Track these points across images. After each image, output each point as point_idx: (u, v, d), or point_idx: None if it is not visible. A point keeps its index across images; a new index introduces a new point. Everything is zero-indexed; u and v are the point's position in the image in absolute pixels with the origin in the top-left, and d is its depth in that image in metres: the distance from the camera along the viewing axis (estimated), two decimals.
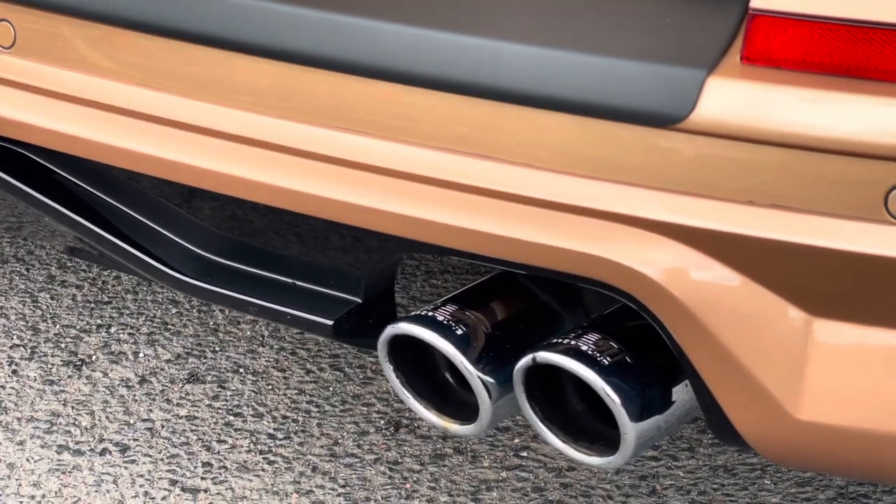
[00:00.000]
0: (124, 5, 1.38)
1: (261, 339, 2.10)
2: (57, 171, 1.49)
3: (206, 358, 2.05)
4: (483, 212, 1.23)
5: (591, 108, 1.18)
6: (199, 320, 2.14)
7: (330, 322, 1.33)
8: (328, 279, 1.34)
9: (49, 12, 1.42)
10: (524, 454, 1.85)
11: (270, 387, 1.98)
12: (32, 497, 1.75)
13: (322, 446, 1.86)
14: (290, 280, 1.36)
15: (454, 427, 1.31)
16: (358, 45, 1.26)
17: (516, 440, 1.87)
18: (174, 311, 2.16)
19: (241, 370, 2.02)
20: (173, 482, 1.78)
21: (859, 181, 1.13)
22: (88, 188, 1.48)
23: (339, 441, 1.87)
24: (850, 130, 1.12)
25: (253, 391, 1.97)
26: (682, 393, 1.27)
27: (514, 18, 1.24)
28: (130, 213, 1.46)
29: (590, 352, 1.23)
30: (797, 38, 1.14)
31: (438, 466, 1.82)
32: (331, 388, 1.98)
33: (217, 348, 2.07)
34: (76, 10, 1.40)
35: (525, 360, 1.24)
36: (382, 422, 1.91)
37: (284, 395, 1.97)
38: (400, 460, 1.83)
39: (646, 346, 1.26)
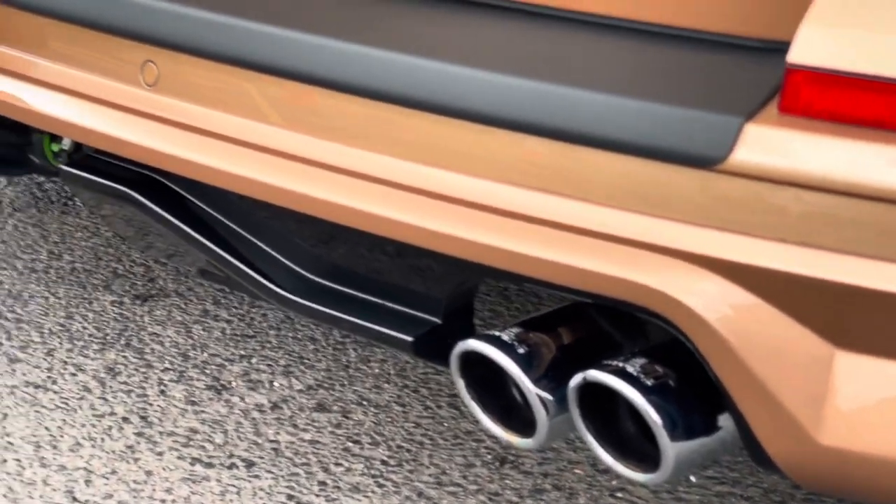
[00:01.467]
0: (255, 52, 1.55)
1: (387, 376, 2.25)
2: (188, 197, 1.67)
3: (334, 390, 2.20)
4: (549, 242, 1.35)
5: (642, 149, 1.30)
6: (332, 357, 2.30)
7: (410, 339, 1.47)
8: (412, 300, 1.48)
9: (188, 55, 1.60)
10: (619, 495, 1.95)
11: (390, 419, 2.12)
12: (163, 501, 1.93)
13: (430, 475, 1.99)
14: (378, 300, 1.51)
15: (515, 440, 1.43)
16: (458, 91, 1.40)
17: (614, 482, 1.97)
18: (311, 347, 2.33)
19: (365, 403, 2.17)
20: (290, 496, 1.93)
21: (884, 224, 1.22)
22: (213, 213, 1.65)
23: (447, 471, 2.00)
24: (876, 178, 1.22)
25: (373, 422, 2.12)
26: (726, 420, 1.37)
27: (578, 66, 1.37)
28: (246, 235, 1.63)
29: (635, 373, 1.34)
30: (831, 91, 1.24)
31: (536, 500, 1.93)
32: (445, 424, 2.12)
33: (346, 382, 2.23)
34: (212, 54, 1.58)
35: (577, 379, 1.36)
36: (489, 456, 2.03)
37: (402, 427, 2.10)
38: (501, 492, 1.95)
39: (692, 373, 1.36)
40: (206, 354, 2.31)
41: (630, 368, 1.34)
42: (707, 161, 1.27)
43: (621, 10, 1.43)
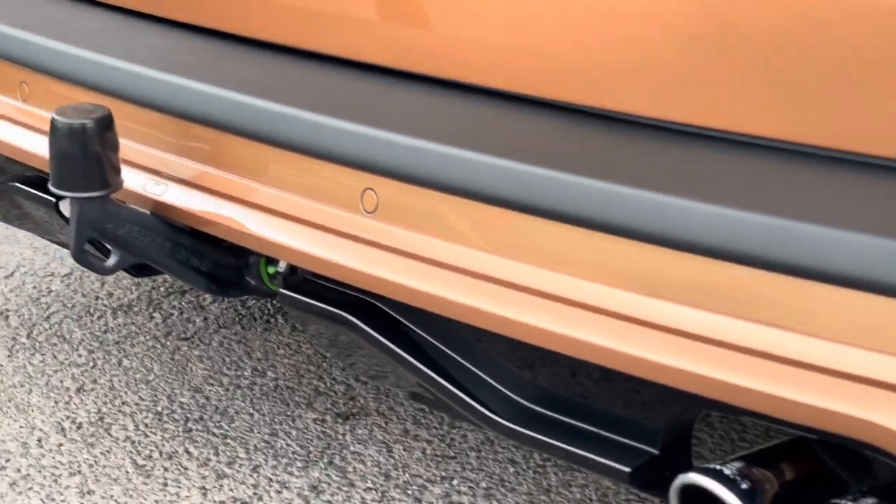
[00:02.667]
0: (476, 183, 1.57)
1: (589, 501, 2.23)
2: (403, 321, 1.69)
3: None
4: (774, 376, 1.34)
5: (881, 286, 1.28)
6: (533, 480, 2.29)
7: (628, 470, 1.46)
8: (627, 429, 1.47)
9: (409, 184, 1.63)
10: None
11: None
12: None
13: None
14: (592, 427, 1.50)
15: None
16: (684, 223, 1.40)
17: None
18: (511, 469, 2.33)
19: None
20: None
21: None
22: (427, 337, 1.67)
23: None
24: None
25: None
26: None
27: (806, 199, 1.36)
28: (459, 359, 1.64)
29: None
30: None
31: None
32: None
33: None
34: (434, 184, 1.61)
35: None
36: None
37: None
38: None
39: None
40: (407, 475, 2.32)
41: None
42: None
43: (847, 144, 1.42)
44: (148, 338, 2.87)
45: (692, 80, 1.49)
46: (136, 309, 3.01)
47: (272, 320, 2.95)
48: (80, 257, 1.89)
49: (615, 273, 1.43)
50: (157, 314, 2.98)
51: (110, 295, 3.09)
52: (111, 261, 1.93)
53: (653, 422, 1.47)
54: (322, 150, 1.71)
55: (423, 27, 1.75)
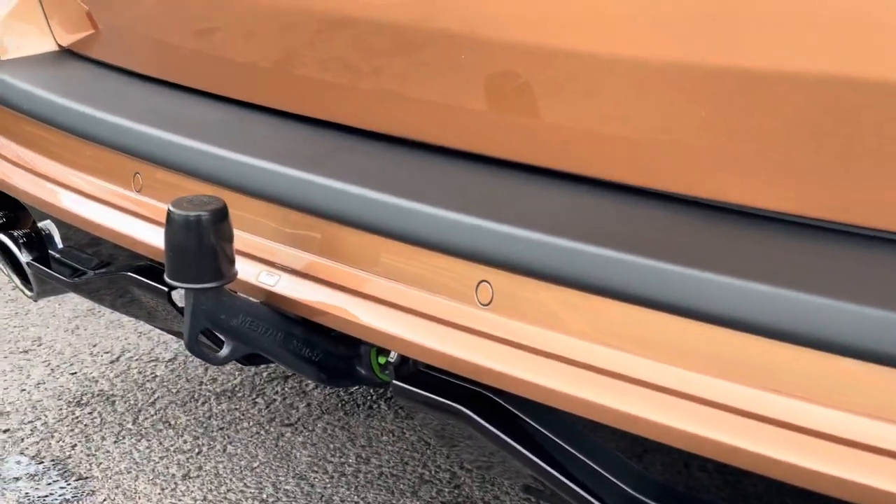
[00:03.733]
0: (590, 274, 1.56)
1: None
2: (518, 414, 1.68)
3: None
4: None
5: None
6: None
7: None
8: None
9: (525, 276, 1.62)
10: None
11: None
12: None
13: None
14: None
15: None
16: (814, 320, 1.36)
17: None
18: None
19: None
20: None
21: None
22: (543, 430, 1.65)
23: None
24: None
25: None
26: None
27: None
28: (575, 453, 1.62)
29: None
30: None
31: None
32: None
33: None
34: (550, 276, 1.60)
35: None
36: None
37: None
38: None
39: None
40: None
41: None
42: None
43: None
44: (252, 424, 2.88)
45: (826, 177, 1.47)
46: (239, 394, 3.03)
47: (375, 406, 2.95)
48: (193, 348, 1.90)
49: (738, 368, 1.41)
50: (260, 400, 2.99)
51: (214, 380, 3.11)
52: (224, 351, 1.94)
53: None
54: (437, 242, 1.71)
55: (539, 119, 1.75)
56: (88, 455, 2.75)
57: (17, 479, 2.67)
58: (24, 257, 2.49)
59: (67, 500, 2.60)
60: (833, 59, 1.43)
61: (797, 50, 1.46)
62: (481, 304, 1.67)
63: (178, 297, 2.05)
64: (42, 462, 2.73)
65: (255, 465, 2.69)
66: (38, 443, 2.82)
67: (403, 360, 1.94)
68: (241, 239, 1.93)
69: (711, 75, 1.53)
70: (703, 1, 1.54)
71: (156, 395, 3.04)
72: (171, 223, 1.83)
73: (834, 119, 1.44)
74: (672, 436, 1.46)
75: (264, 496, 2.57)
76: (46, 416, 2.95)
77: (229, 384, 3.07)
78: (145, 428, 2.88)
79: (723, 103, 1.53)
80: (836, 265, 1.42)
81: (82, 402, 3.01)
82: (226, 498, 2.57)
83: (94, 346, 3.33)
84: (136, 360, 3.24)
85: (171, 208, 1.83)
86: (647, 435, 1.47)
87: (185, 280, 1.85)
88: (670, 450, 1.49)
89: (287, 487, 2.59)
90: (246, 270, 1.92)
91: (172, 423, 2.90)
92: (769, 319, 1.36)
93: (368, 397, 2.97)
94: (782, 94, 1.48)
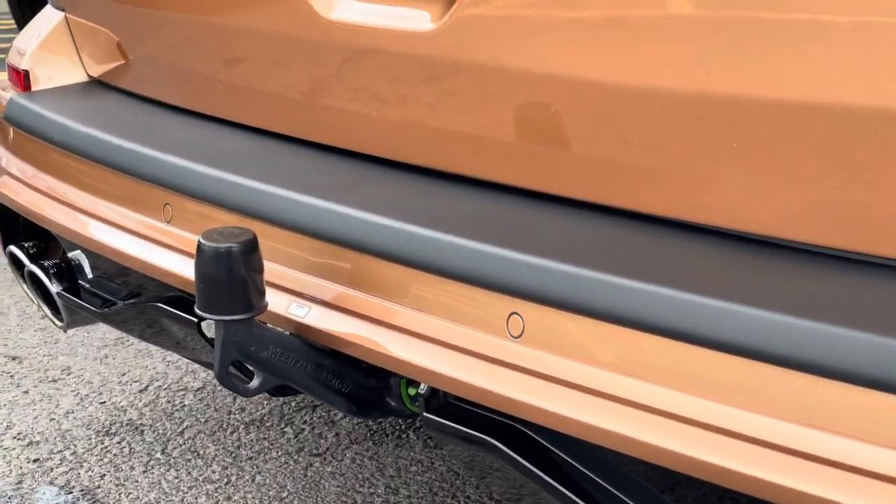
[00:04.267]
0: (623, 306, 1.55)
1: None
2: (550, 447, 1.67)
3: None
4: None
5: None
6: None
7: None
8: None
9: (557, 309, 1.61)
10: None
11: None
12: None
13: None
14: None
15: None
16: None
17: None
18: None
19: None
20: None
21: None
22: (575, 464, 1.64)
23: None
24: None
25: None
26: None
27: None
28: (607, 486, 1.61)
29: None
30: None
31: None
32: None
33: None
34: (583, 309, 1.59)
35: None
36: None
37: None
38: None
39: None
40: None
41: None
42: None
43: None
44: (280, 453, 2.88)
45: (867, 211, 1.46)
46: (268, 424, 3.02)
47: (404, 436, 2.94)
48: (224, 379, 1.90)
49: (780, 404, 1.39)
50: (288, 429, 2.99)
51: (242, 409, 3.10)
52: (254, 383, 1.93)
53: None
54: (467, 274, 1.70)
55: (569, 150, 1.74)
56: (118, 485, 2.75)
57: None
58: (54, 287, 2.49)
59: None
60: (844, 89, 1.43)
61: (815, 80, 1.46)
62: (512, 336, 1.66)
63: (208, 327, 2.05)
64: (72, 492, 2.73)
65: (284, 495, 2.69)
66: (67, 472, 2.82)
67: (433, 391, 1.93)
68: (271, 270, 1.93)
69: (741, 108, 1.53)
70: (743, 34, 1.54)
71: (184, 425, 3.03)
72: (201, 254, 1.83)
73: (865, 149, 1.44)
74: (705, 470, 1.44)
75: None
76: (76, 446, 2.95)
77: (258, 413, 3.07)
78: (174, 458, 2.88)
79: (756, 136, 1.53)
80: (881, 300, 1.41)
81: (111, 431, 3.01)
82: None
83: (123, 375, 3.33)
84: (165, 389, 3.24)
85: (202, 240, 1.83)
86: (679, 469, 1.46)
87: (216, 312, 1.85)
88: (702, 483, 1.47)
89: None
90: (276, 302, 1.92)
91: (201, 452, 2.90)
92: (820, 357, 1.35)
93: (397, 427, 2.96)
94: (811, 126, 1.47)
